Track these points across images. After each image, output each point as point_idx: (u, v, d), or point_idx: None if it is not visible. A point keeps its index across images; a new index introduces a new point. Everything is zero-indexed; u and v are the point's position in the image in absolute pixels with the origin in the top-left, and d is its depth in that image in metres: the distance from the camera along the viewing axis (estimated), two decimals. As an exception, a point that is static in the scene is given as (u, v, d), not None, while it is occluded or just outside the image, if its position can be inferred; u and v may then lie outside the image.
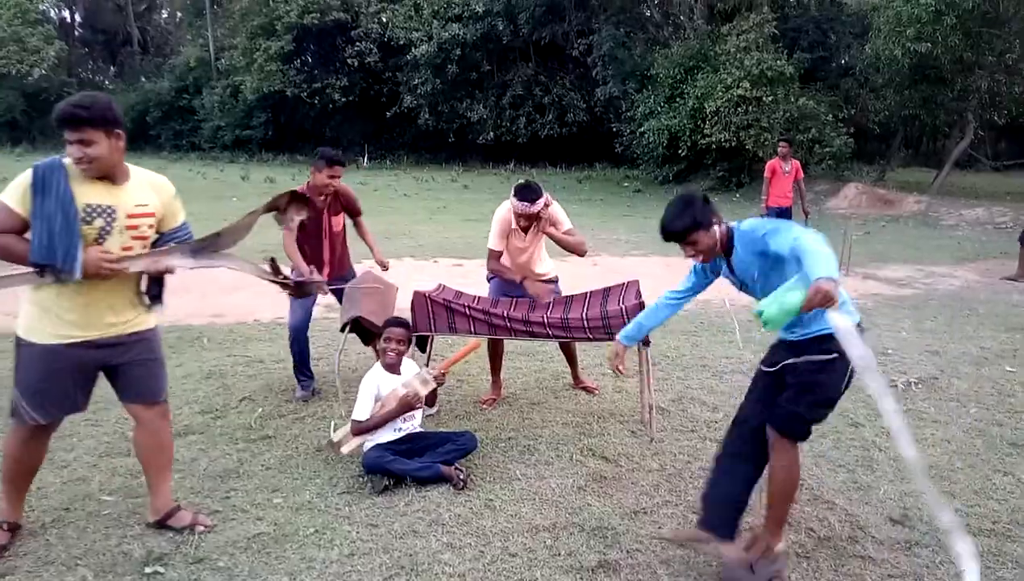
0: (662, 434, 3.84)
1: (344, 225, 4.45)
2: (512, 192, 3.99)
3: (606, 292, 4.04)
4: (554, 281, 4.34)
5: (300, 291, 3.37)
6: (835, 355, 2.39)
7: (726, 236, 2.56)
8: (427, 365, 3.97)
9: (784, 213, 9.18)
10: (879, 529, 2.95)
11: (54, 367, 2.47)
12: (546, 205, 4.00)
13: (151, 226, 2.56)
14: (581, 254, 4.19)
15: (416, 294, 3.84)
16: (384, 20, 31.27)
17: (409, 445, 3.27)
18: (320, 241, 4.29)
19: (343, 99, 31.90)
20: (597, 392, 4.49)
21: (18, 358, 2.50)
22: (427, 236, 11.63)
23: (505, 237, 4.15)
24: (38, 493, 3.02)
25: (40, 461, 2.70)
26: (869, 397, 4.50)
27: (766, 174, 9.36)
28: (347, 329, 4.03)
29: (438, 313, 3.79)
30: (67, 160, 2.41)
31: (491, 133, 29.90)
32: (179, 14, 48.72)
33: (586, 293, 4.09)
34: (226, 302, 6.72)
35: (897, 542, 2.86)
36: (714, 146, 19.96)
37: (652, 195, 20.76)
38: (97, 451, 3.44)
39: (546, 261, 4.33)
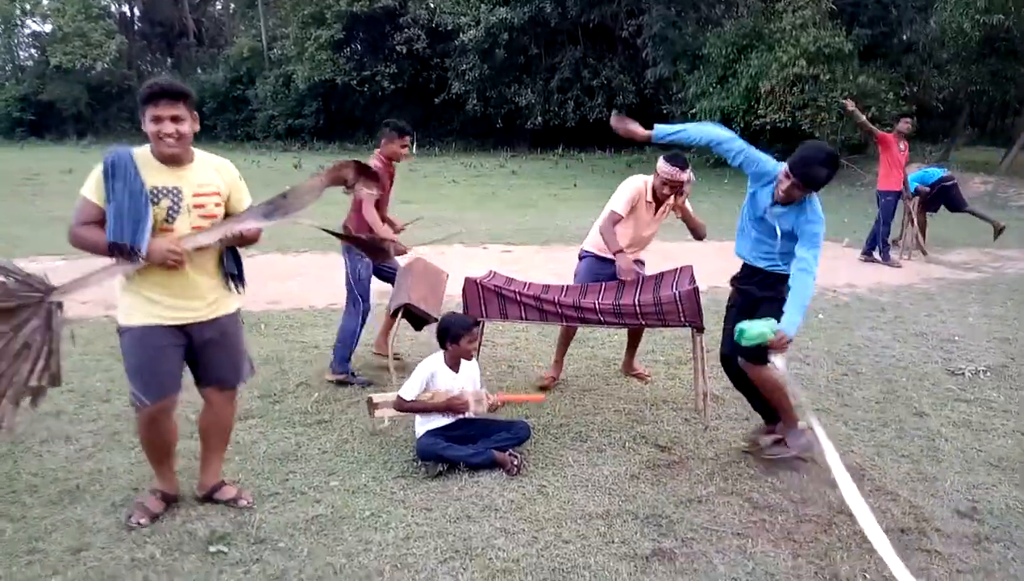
0: (716, 422, 3.78)
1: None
2: (661, 159, 4.01)
3: (659, 277, 3.98)
4: (642, 262, 4.40)
5: (372, 249, 3.44)
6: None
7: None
8: (478, 352, 3.98)
9: (895, 199, 8.48)
10: (945, 522, 2.86)
11: (153, 346, 2.58)
12: (690, 180, 4.06)
13: (218, 205, 2.63)
14: (701, 237, 4.28)
15: (468, 281, 3.85)
16: (432, 6, 31.29)
17: (462, 431, 3.29)
18: (385, 210, 4.41)
19: (392, 86, 32.10)
20: (649, 379, 4.45)
21: (122, 346, 2.62)
22: (476, 222, 11.65)
23: (633, 206, 4.09)
24: (108, 473, 3.15)
25: (172, 439, 2.81)
26: (934, 386, 4.35)
27: (881, 149, 8.52)
28: (398, 314, 4.08)
29: (490, 300, 3.80)
30: (135, 149, 2.50)
31: (539, 118, 29.71)
32: (232, 5, 49.68)
33: (638, 278, 4.04)
34: (282, 289, 6.86)
35: (965, 536, 2.77)
36: (768, 127, 19.46)
37: (705, 179, 20.31)
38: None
39: (645, 247, 4.39)
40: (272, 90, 35.17)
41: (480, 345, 4.16)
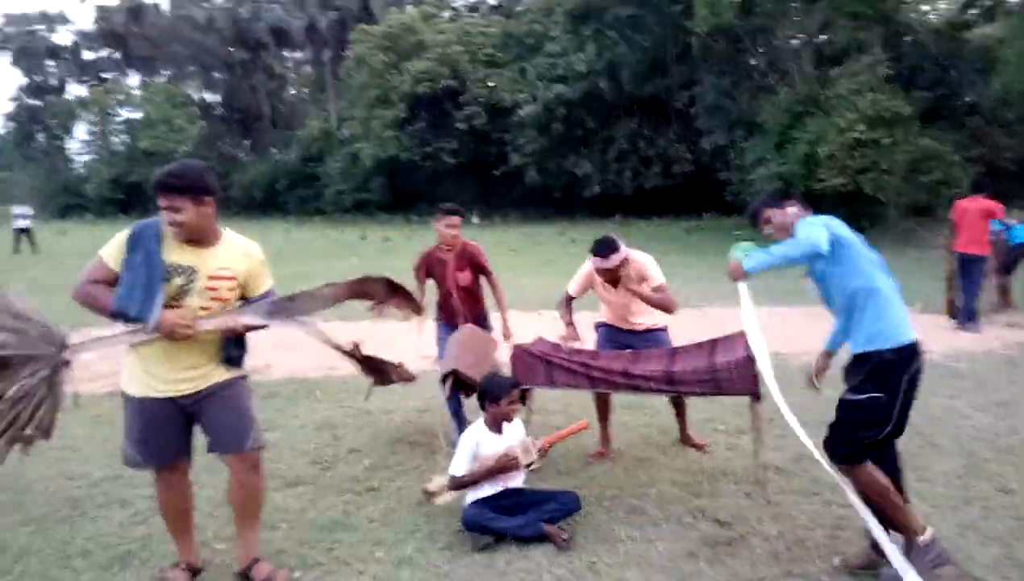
0: (780, 496, 3.57)
1: (476, 281, 4.60)
2: (591, 251, 4.01)
3: (713, 344, 3.86)
4: (663, 330, 4.29)
5: (374, 370, 3.22)
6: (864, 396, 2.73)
7: None
8: (527, 419, 3.91)
9: (982, 263, 8.09)
10: (1041, 612, 2.59)
11: (148, 417, 2.61)
12: (624, 261, 4.00)
13: (231, 290, 2.65)
14: (668, 312, 4.14)
15: (516, 348, 3.82)
16: (491, 84, 32.51)
17: (510, 501, 3.20)
18: (449, 295, 4.51)
19: (453, 161, 33.22)
20: (708, 449, 4.27)
21: (124, 409, 2.68)
22: (532, 290, 11.67)
23: (586, 287, 4.27)
24: (158, 539, 3.16)
25: (187, 505, 2.83)
26: (1021, 460, 4.03)
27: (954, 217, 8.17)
28: (447, 381, 4.06)
29: (537, 366, 3.75)
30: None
31: (596, 187, 30.10)
32: (305, 90, 52.72)
33: (691, 345, 3.93)
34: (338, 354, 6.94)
35: (1064, 628, 2.49)
36: (830, 192, 19.12)
37: (765, 244, 20.01)
38: (214, 499, 3.58)
39: (649, 311, 4.23)
40: (340, 167, 36.82)
41: (531, 413, 4.08)
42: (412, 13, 36.25)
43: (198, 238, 2.58)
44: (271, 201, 38.60)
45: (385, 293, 2.80)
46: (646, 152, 29.46)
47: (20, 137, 55.17)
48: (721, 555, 3.01)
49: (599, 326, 4.37)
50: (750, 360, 3.46)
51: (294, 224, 32.66)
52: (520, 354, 3.77)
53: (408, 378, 3.40)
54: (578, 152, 30.66)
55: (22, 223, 20.13)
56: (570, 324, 4.32)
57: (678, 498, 3.56)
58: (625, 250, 4.02)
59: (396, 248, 20.42)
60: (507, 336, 4.57)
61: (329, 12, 44.76)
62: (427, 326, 4.47)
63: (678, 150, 29.03)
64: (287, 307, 2.72)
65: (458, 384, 4.13)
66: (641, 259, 4.11)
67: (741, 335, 3.85)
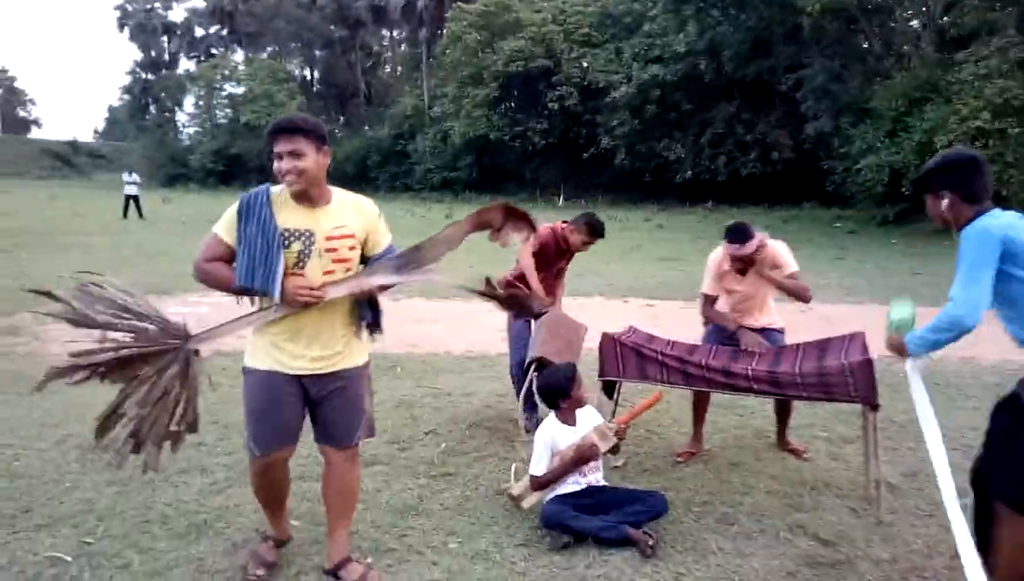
0: (893, 516, 3.22)
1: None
2: (725, 236, 3.69)
3: (823, 344, 3.52)
4: (780, 331, 3.95)
5: (512, 303, 3.01)
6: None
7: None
8: (614, 414, 3.70)
9: None
10: None
11: (272, 395, 2.45)
12: (760, 246, 3.65)
13: (351, 248, 2.48)
14: (804, 301, 3.78)
15: (605, 336, 3.59)
16: (584, 65, 31.97)
17: (592, 500, 3.00)
18: (553, 281, 4.41)
19: (542, 141, 32.98)
20: (808, 457, 3.93)
21: (243, 388, 2.52)
22: (618, 275, 11.37)
23: (719, 281, 3.89)
24: (235, 510, 3.15)
25: (284, 490, 2.70)
26: None
27: None
28: (532, 368, 3.89)
29: (627, 358, 3.51)
30: (273, 188, 2.46)
31: (689, 172, 29.19)
32: (399, 68, 53.52)
33: (798, 344, 3.60)
34: (421, 332, 6.91)
35: None
36: (946, 184, 17.80)
37: (869, 237, 18.90)
38: (291, 473, 3.54)
39: (771, 309, 3.94)
40: (430, 145, 37.23)
41: (616, 405, 3.85)
42: (509, -9, 36.00)
43: (312, 196, 2.41)
44: (363, 176, 39.41)
45: (502, 218, 2.60)
46: (743, 137, 28.30)
47: (134, 109, 58.61)
48: (824, 577, 2.72)
49: (708, 322, 4.04)
50: (868, 364, 3.11)
51: (383, 200, 33.24)
52: (609, 343, 3.54)
53: (548, 304, 3.31)
54: (671, 135, 29.80)
55: (130, 190, 21.26)
56: (741, 328, 3.80)
57: (775, 510, 3.27)
58: (760, 235, 3.69)
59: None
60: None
61: (427, -10, 45.10)
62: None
63: (778, 135, 27.72)
64: (414, 258, 2.51)
65: (542, 370, 3.95)
66: (773, 244, 3.78)
67: (856, 336, 3.50)
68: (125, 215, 20.89)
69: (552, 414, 3.17)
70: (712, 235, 19.77)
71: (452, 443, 4.02)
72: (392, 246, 2.61)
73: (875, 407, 3.16)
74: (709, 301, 3.94)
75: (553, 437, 3.08)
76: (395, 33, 53.06)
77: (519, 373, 4.39)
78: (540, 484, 3.06)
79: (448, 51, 35.94)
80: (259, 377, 2.46)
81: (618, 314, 7.85)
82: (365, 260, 2.57)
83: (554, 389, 3.12)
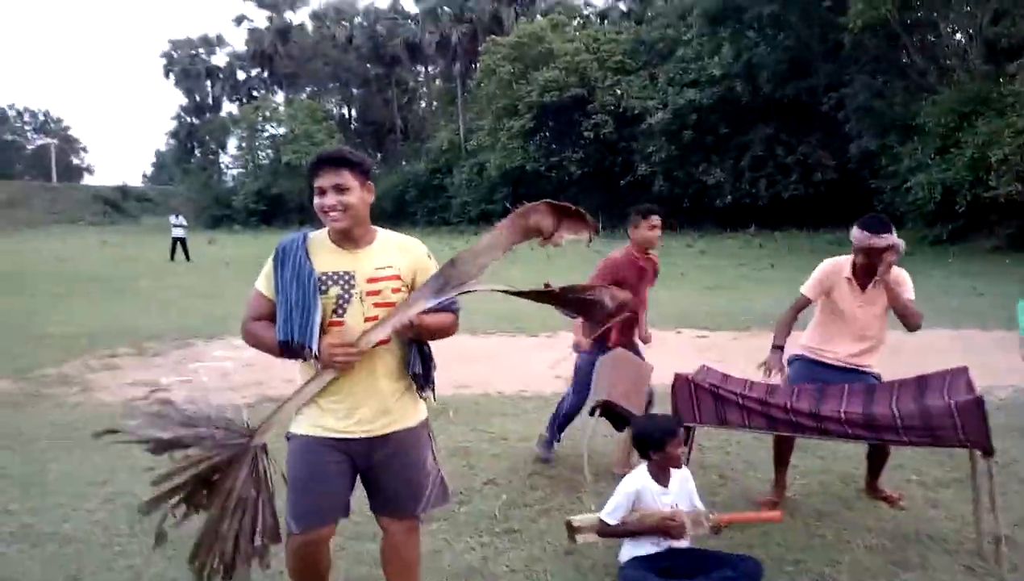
0: (1015, 576, 2.87)
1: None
2: (855, 225, 3.36)
3: (921, 382, 3.22)
4: (876, 376, 3.54)
5: (580, 304, 2.44)
6: None
7: None
8: (687, 461, 3.42)
9: None
10: None
11: (311, 462, 2.20)
12: (895, 247, 3.36)
13: (396, 290, 2.21)
14: (912, 328, 3.44)
15: (678, 378, 3.33)
16: (619, 92, 31.92)
17: (675, 563, 2.72)
18: (634, 309, 4.02)
19: (579, 171, 32.91)
20: (902, 505, 3.59)
21: (287, 456, 2.27)
22: (666, 304, 11.04)
23: (825, 288, 3.52)
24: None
25: (322, 576, 2.37)
26: None
27: None
28: (596, 413, 3.64)
29: (703, 401, 3.24)
30: (312, 233, 2.26)
31: (729, 196, 28.75)
32: (434, 103, 54.29)
33: (892, 382, 3.30)
34: (469, 372, 6.71)
35: None
36: (1002, 200, 17.14)
37: (923, 257, 18.20)
38: (346, 532, 3.34)
39: (877, 347, 3.55)
40: (467, 178, 37.47)
41: (690, 451, 3.58)
42: (541, 23, 36.36)
43: (354, 236, 2.20)
44: (400, 211, 39.80)
45: (552, 220, 2.25)
46: (784, 159, 27.82)
47: (180, 153, 60.36)
48: (947, 653, 2.40)
49: (794, 359, 3.68)
50: (978, 404, 2.80)
51: (421, 234, 33.41)
52: (683, 385, 3.28)
53: (623, 300, 2.53)
54: (709, 160, 29.46)
55: (177, 233, 21.68)
56: (779, 348, 3.59)
57: (879, 569, 2.94)
58: (900, 241, 3.38)
59: (519, 258, 20.21)
60: (645, 339, 4.28)
61: (461, 25, 45.80)
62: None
63: (820, 156, 27.17)
64: (452, 274, 2.21)
65: (608, 416, 3.71)
66: (896, 269, 3.47)
67: (958, 372, 3.19)
68: (172, 257, 21.29)
69: (644, 465, 2.88)
70: (755, 261, 19.34)
71: (513, 495, 3.78)
72: (420, 286, 2.32)
73: (989, 452, 2.84)
74: (798, 304, 3.60)
75: (639, 491, 2.79)
76: (429, 69, 53.93)
77: (569, 413, 4.16)
78: (609, 533, 2.80)
79: (482, 84, 36.30)
80: (299, 444, 2.22)
81: (672, 346, 7.57)
82: None
83: (649, 440, 2.83)
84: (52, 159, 69.04)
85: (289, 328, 2.10)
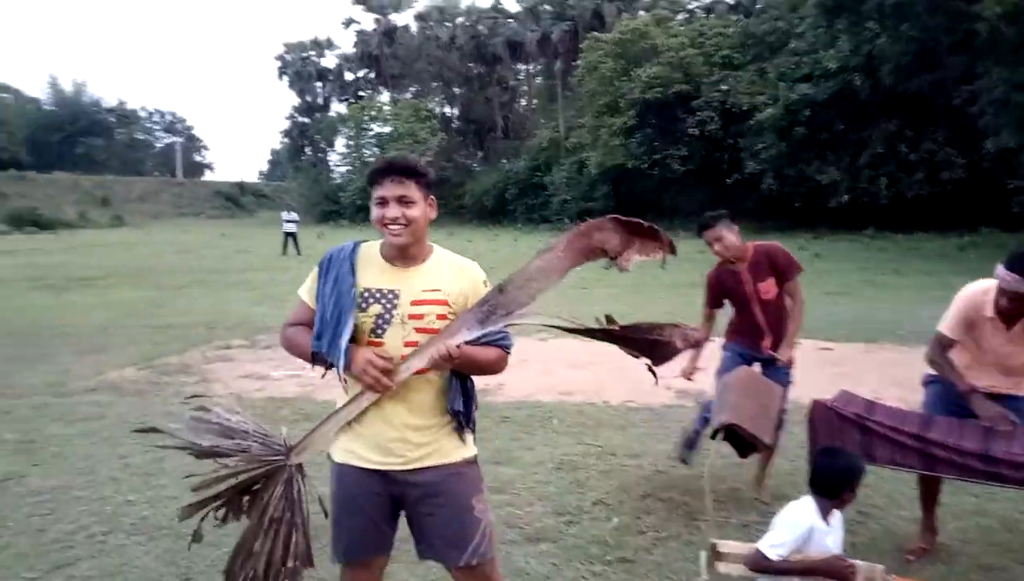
0: None
1: (782, 291, 3.86)
2: (1000, 265, 2.86)
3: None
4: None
5: (646, 346, 2.08)
6: None
7: None
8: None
9: None
10: None
11: (345, 492, 2.07)
12: None
13: (441, 317, 2.01)
14: None
15: (817, 406, 3.00)
16: (725, 88, 30.80)
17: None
18: (749, 308, 3.84)
19: (682, 168, 32.00)
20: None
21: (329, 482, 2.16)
22: (780, 312, 10.45)
23: (968, 325, 3.04)
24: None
25: None
26: None
27: None
28: (718, 436, 3.35)
29: (848, 433, 2.91)
30: (364, 243, 2.12)
31: (845, 196, 27.11)
32: (535, 101, 54.33)
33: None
34: (573, 378, 6.51)
35: None
36: None
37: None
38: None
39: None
40: (566, 176, 37.25)
41: (767, 479, 3.23)
42: (644, 18, 35.57)
43: (410, 253, 2.04)
44: (500, 209, 40.01)
45: (621, 238, 1.97)
46: (907, 156, 25.96)
47: (292, 151, 63.15)
48: None
49: (931, 381, 3.24)
50: None
51: (521, 232, 33.54)
52: (823, 414, 2.95)
53: (696, 341, 2.25)
54: (823, 157, 27.87)
55: (288, 227, 22.57)
56: (973, 392, 2.98)
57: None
58: None
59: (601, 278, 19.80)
60: (782, 361, 3.79)
61: (562, 23, 45.56)
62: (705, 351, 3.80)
63: (948, 154, 25.20)
64: (499, 301, 1.99)
65: (732, 440, 3.42)
66: None
67: None
68: (284, 251, 22.17)
69: (812, 500, 2.54)
70: (877, 265, 18.09)
71: (625, 518, 3.55)
72: (465, 312, 2.11)
73: None
74: (943, 344, 3.09)
75: (810, 529, 2.45)
76: (531, 67, 53.99)
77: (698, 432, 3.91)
78: (765, 569, 2.47)
79: (583, 81, 35.92)
80: (335, 471, 2.10)
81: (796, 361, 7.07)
82: None
83: (848, 479, 2.46)
84: (178, 157, 73.95)
85: (320, 340, 1.99)
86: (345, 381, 2.02)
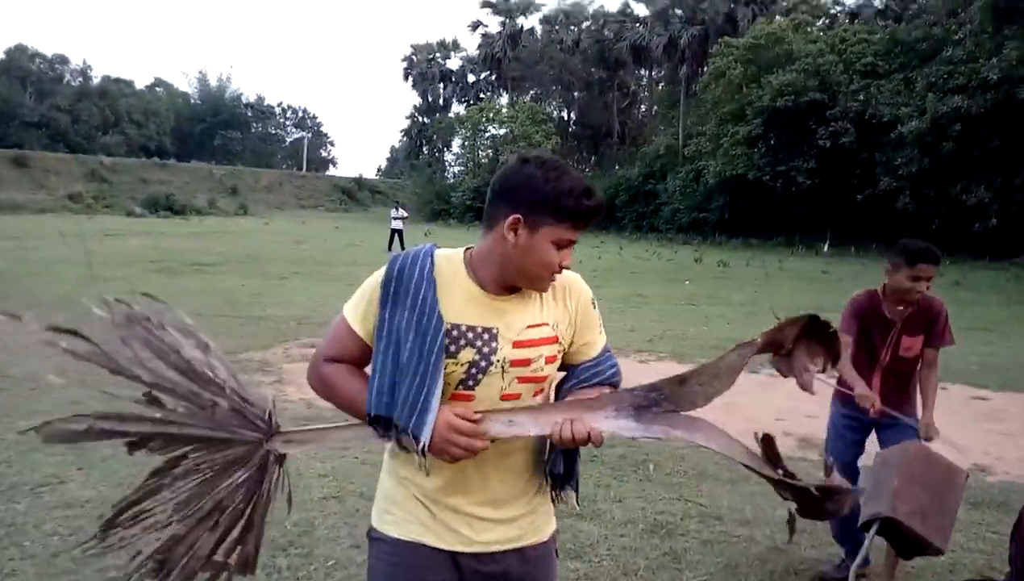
0: None
1: (920, 355, 3.15)
2: None
3: None
4: None
5: (804, 499, 1.54)
6: None
7: None
8: None
9: None
10: None
11: (405, 576, 1.52)
12: None
13: (550, 360, 1.51)
14: None
15: None
16: (865, 97, 28.56)
17: None
18: (872, 366, 3.14)
19: (807, 182, 30.03)
20: None
21: (369, 559, 1.61)
22: (921, 349, 9.16)
23: None
24: None
25: None
26: None
27: None
28: (872, 529, 2.55)
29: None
30: (440, 252, 1.53)
31: (994, 219, 24.45)
32: (655, 107, 52.94)
33: None
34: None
35: None
36: None
37: None
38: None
39: None
40: (681, 185, 36.01)
41: None
42: (782, 23, 33.68)
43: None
44: (609, 216, 39.01)
45: (795, 337, 1.53)
46: (1074, 180, 23.08)
47: (411, 149, 64.77)
48: None
49: None
50: None
51: (628, 240, 32.55)
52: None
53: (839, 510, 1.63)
54: (972, 176, 25.26)
55: (396, 224, 22.75)
56: None
57: None
58: None
59: (732, 274, 18.60)
60: (928, 436, 3.06)
61: (692, 27, 44.05)
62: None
63: None
64: (672, 395, 1.47)
65: (888, 533, 2.60)
66: None
67: None
68: (390, 248, 22.33)
69: None
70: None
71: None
72: (607, 353, 1.59)
73: None
74: None
75: None
76: (654, 72, 52.68)
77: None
78: None
79: (709, 87, 34.49)
80: (391, 548, 1.53)
81: (942, 409, 5.98)
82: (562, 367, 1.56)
83: None
84: (304, 151, 77.60)
85: (390, 401, 1.40)
86: (423, 453, 1.40)
